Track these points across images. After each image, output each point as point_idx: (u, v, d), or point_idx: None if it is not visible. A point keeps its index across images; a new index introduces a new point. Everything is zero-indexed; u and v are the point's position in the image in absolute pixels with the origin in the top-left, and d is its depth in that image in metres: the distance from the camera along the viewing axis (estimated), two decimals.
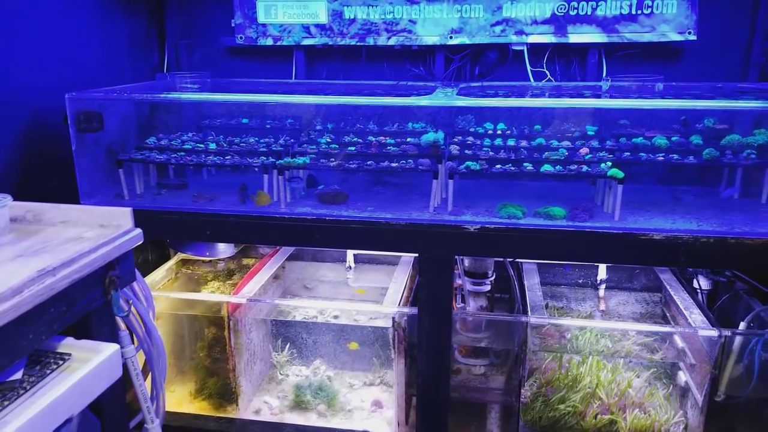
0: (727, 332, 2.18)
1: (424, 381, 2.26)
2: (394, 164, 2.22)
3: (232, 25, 2.83)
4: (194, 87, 2.64)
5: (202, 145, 2.40)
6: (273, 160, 2.28)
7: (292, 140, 2.46)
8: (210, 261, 2.87)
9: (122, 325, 1.71)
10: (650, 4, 2.49)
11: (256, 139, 2.48)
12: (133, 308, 1.73)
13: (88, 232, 1.54)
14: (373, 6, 2.68)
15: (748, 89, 2.47)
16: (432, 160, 2.20)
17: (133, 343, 1.73)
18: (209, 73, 2.76)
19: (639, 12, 2.51)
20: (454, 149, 2.24)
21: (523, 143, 2.28)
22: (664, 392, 2.46)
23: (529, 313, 2.33)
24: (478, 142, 2.30)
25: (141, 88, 2.51)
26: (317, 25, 2.75)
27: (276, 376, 2.79)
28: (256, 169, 2.26)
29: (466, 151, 2.23)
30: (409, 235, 2.11)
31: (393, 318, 2.33)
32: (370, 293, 2.96)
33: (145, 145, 2.43)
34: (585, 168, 2.12)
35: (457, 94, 2.30)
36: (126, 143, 2.46)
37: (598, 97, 2.38)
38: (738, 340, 2.19)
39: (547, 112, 2.33)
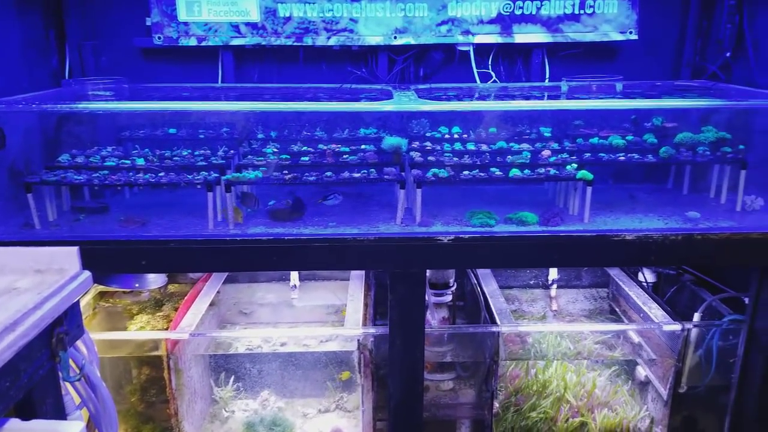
0: (689, 325, 2.23)
1: (397, 404, 2.10)
2: (356, 174, 2.04)
3: (148, 23, 2.50)
4: (108, 94, 2.29)
5: (127, 162, 2.08)
6: (217, 175, 2.02)
7: (232, 151, 2.20)
8: (132, 291, 2.53)
9: (65, 388, 1.40)
10: (592, 3, 2.50)
11: (190, 151, 2.19)
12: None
13: (21, 280, 1.24)
14: (310, 3, 2.47)
15: (684, 87, 2.55)
16: (397, 168, 2.05)
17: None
18: (121, 78, 2.41)
19: (582, 12, 2.51)
20: (416, 156, 2.10)
21: (484, 147, 2.19)
22: (626, 388, 2.48)
23: (498, 321, 2.25)
24: (438, 148, 2.18)
25: (47, 98, 2.14)
26: (248, 24, 2.50)
27: (220, 413, 2.51)
28: (198, 186, 1.99)
29: (429, 158, 2.10)
30: (380, 250, 1.94)
31: (358, 340, 2.16)
32: (315, 313, 2.76)
33: (58, 164, 2.06)
34: (553, 171, 2.07)
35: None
36: (30, 162, 2.08)
37: (555, 97, 2.35)
38: (695, 331, 2.24)
39: (506, 115, 2.26)
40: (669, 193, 2.41)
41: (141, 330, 2.39)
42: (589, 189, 2.03)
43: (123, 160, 2.08)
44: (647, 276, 2.74)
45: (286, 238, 1.93)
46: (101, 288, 2.49)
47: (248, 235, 1.94)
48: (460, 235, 1.95)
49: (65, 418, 1.38)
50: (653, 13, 2.59)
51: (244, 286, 2.75)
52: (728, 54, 2.50)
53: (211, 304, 2.55)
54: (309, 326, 2.67)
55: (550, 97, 2.47)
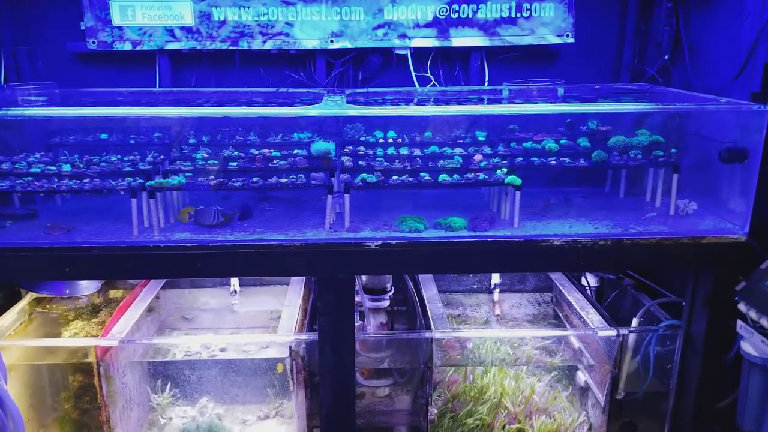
0: (624, 331, 2.23)
1: (328, 412, 2.09)
2: (283, 180, 2.02)
3: (82, 28, 2.47)
4: (40, 100, 2.25)
5: (54, 168, 2.05)
6: (142, 180, 1.99)
7: (161, 157, 2.17)
8: (70, 297, 2.49)
9: None
10: (529, 7, 2.50)
11: (119, 157, 2.16)
12: None
13: None
14: (244, 7, 2.45)
15: (622, 90, 2.55)
16: (325, 173, 2.03)
17: None
18: (56, 83, 2.37)
19: (518, 15, 2.51)
20: (347, 161, 2.09)
21: (416, 151, 2.18)
22: (566, 394, 2.48)
23: (433, 327, 2.24)
24: (371, 152, 2.17)
25: None
26: (183, 28, 2.47)
27: (157, 420, 2.49)
28: (122, 192, 1.96)
29: (360, 163, 2.09)
30: (306, 257, 1.93)
31: (290, 347, 2.14)
32: (258, 318, 2.73)
33: None
34: (482, 176, 2.07)
35: (347, 102, 2.15)
36: None
37: (495, 101, 2.34)
38: (632, 336, 2.24)
39: (440, 119, 2.25)
40: (605, 197, 2.42)
41: (74, 336, 2.35)
42: (517, 194, 2.02)
43: (49, 167, 2.05)
44: (590, 280, 2.74)
45: (210, 244, 1.92)
46: (37, 294, 2.45)
47: (172, 242, 1.92)
48: (388, 241, 1.94)
49: None
50: (591, 16, 2.60)
51: (185, 291, 2.72)
52: (666, 57, 2.51)
53: (150, 310, 2.53)
54: (248, 332, 2.66)
55: (489, 102, 2.46)
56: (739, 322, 1.97)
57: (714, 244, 1.98)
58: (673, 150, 2.15)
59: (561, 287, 2.69)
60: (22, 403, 2.22)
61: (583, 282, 2.74)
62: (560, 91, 2.25)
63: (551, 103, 2.24)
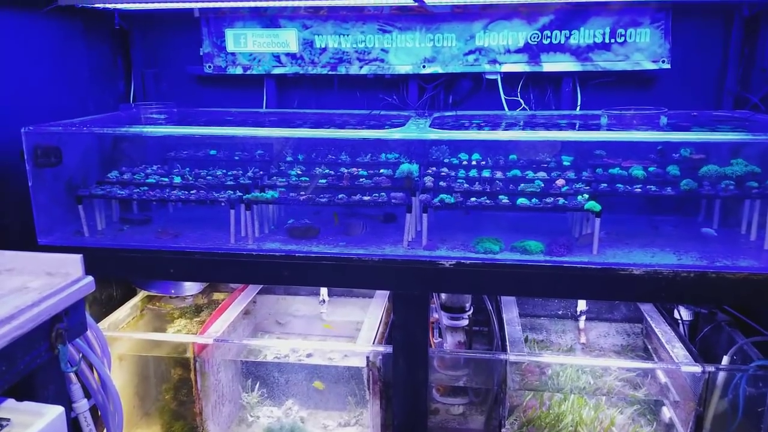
0: (710, 368, 2.12)
1: (401, 424, 2.16)
2: (366, 197, 2.14)
3: (200, 53, 2.75)
4: (160, 118, 2.55)
5: (166, 179, 2.30)
6: (240, 194, 2.19)
7: (261, 172, 2.37)
8: (178, 297, 2.76)
9: (74, 378, 1.59)
10: (623, 33, 2.47)
11: (224, 171, 2.39)
12: (86, 359, 1.62)
13: (35, 281, 1.43)
14: (344, 35, 2.62)
15: (724, 117, 2.44)
16: (406, 192, 2.13)
17: (86, 396, 1.62)
18: (175, 102, 2.66)
19: (612, 41, 2.49)
20: (428, 181, 2.17)
21: (498, 174, 2.22)
22: (649, 429, 2.38)
23: (508, 349, 2.25)
24: (453, 174, 2.24)
25: (103, 121, 2.41)
26: (288, 54, 2.69)
27: (246, 417, 2.66)
28: (222, 203, 2.17)
29: (441, 183, 2.16)
30: (382, 271, 2.02)
31: (367, 357, 2.23)
32: (344, 328, 2.86)
33: (107, 179, 2.32)
34: (561, 201, 2.07)
35: (430, 125, 2.23)
36: (87, 177, 2.36)
37: (585, 126, 2.34)
38: (722, 375, 2.13)
39: (522, 143, 2.28)
40: (697, 227, 2.32)
41: (177, 333, 2.60)
42: (597, 220, 2.01)
43: (162, 178, 2.30)
44: (684, 314, 2.62)
45: (297, 255, 2.07)
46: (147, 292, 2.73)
47: (263, 251, 2.09)
48: (462, 261, 2.00)
49: (69, 405, 1.57)
50: (691, 41, 2.51)
51: (279, 297, 2.91)
52: None
53: (246, 312, 2.73)
54: (334, 340, 2.79)
55: (580, 127, 2.45)
56: None
57: None
58: None
59: (650, 319, 2.60)
60: (128, 391, 2.48)
61: (676, 315, 2.63)
62: (663, 120, 2.18)
63: (646, 130, 2.19)
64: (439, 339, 2.46)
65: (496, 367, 2.23)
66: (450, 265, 1.99)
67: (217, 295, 2.91)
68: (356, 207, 2.22)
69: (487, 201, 2.08)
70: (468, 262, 1.99)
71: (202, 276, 2.31)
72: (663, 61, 2.47)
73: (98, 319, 2.45)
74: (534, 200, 2.07)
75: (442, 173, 2.24)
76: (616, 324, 2.83)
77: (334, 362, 2.36)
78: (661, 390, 2.29)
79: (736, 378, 2.11)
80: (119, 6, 2.56)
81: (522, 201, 2.07)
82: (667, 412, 2.39)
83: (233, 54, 2.72)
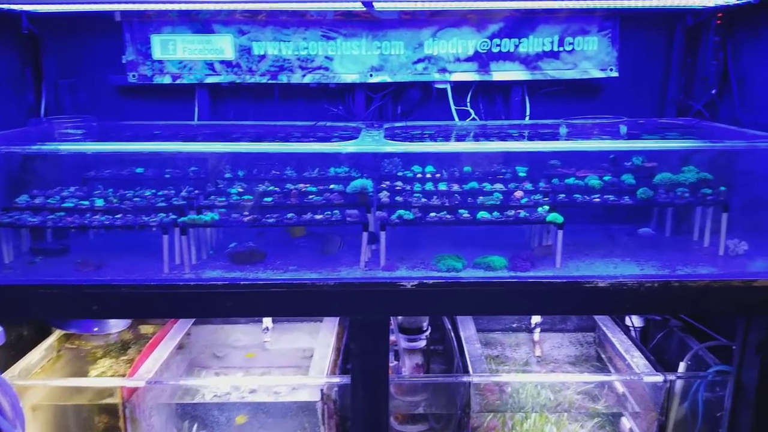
0: (672, 377, 2.11)
1: None
2: (318, 216, 1.98)
3: (123, 61, 2.49)
4: (77, 133, 2.27)
5: (86, 203, 2.04)
6: (174, 216, 1.96)
7: (196, 191, 2.15)
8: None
9: None
10: (572, 41, 2.45)
11: (154, 192, 2.15)
12: None
13: None
14: (285, 42, 2.45)
15: (668, 125, 2.46)
16: (361, 209, 1.98)
17: None
18: (95, 116, 2.39)
19: (561, 49, 2.46)
20: (384, 197, 2.03)
21: (455, 187, 2.12)
22: None
23: (471, 371, 2.15)
24: (408, 188, 2.11)
25: (9, 138, 2.11)
26: (222, 62, 2.48)
27: None
28: (154, 228, 1.93)
29: (397, 198, 2.03)
30: (339, 296, 1.86)
31: (321, 390, 2.06)
32: (291, 357, 2.67)
33: (15, 205, 2.03)
34: (522, 213, 1.99)
35: (384, 137, 2.10)
36: None
37: (537, 136, 2.28)
38: (679, 383, 2.12)
39: (480, 154, 2.19)
40: (651, 235, 2.31)
41: (102, 375, 2.32)
42: (560, 232, 1.94)
43: (82, 202, 2.04)
44: (635, 321, 2.62)
45: (242, 282, 1.87)
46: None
47: (203, 280, 1.88)
48: (425, 281, 1.87)
49: None
50: (636, 50, 2.53)
51: (217, 327, 2.67)
52: (713, 91, 2.42)
53: (180, 347, 2.48)
54: (280, 371, 2.59)
55: (530, 136, 2.40)
56: None
57: (767, 288, 1.86)
58: (722, 188, 2.05)
59: (604, 327, 2.57)
60: None
61: (627, 322, 2.62)
62: (623, 129, 2.15)
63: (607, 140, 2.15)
64: (395, 362, 2.32)
65: (459, 390, 2.11)
66: (412, 286, 1.85)
67: (145, 329, 2.64)
68: (308, 227, 2.05)
69: (448, 216, 1.97)
70: (431, 281, 1.86)
71: (133, 312, 2.05)
72: (611, 69, 2.47)
73: (6, 366, 2.14)
74: (495, 213, 1.98)
75: (397, 187, 2.11)
76: (569, 334, 2.80)
77: (282, 397, 2.17)
78: (618, 401, 2.25)
79: (695, 385, 2.10)
80: (26, 8, 2.27)
81: (483, 214, 1.97)
82: (626, 423, 2.35)
83: (161, 62, 2.49)
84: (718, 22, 2.36)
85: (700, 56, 2.48)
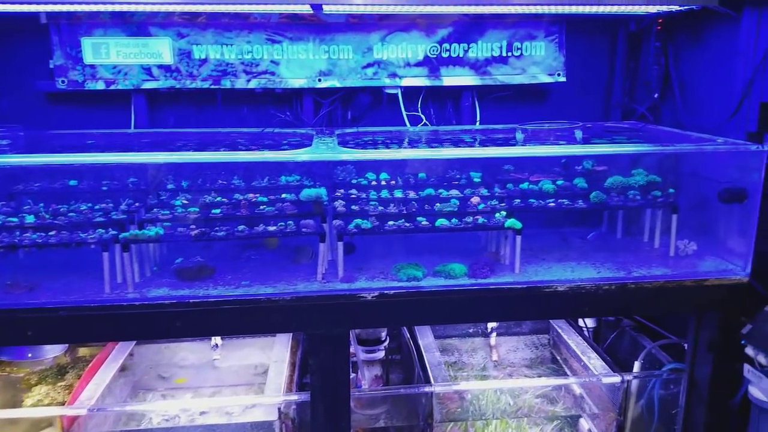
0: (629, 377, 2.14)
1: None
2: (271, 228, 1.89)
3: (51, 66, 2.32)
4: (2, 144, 2.08)
5: (14, 219, 1.87)
6: (115, 232, 1.83)
7: (136, 204, 2.01)
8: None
9: None
10: (520, 46, 2.45)
11: (90, 205, 2.00)
12: None
13: None
14: (228, 45, 2.34)
15: (614, 129, 2.51)
16: (316, 219, 1.91)
17: None
18: (21, 125, 2.19)
19: (509, 54, 2.46)
20: (339, 205, 1.97)
21: (411, 194, 2.07)
22: None
23: (432, 380, 2.10)
24: (363, 196, 2.05)
25: None
26: (161, 66, 2.34)
27: None
28: (92, 245, 1.79)
29: (353, 207, 1.97)
30: (296, 312, 1.79)
31: (279, 408, 1.97)
32: (242, 374, 2.55)
33: None
34: (481, 219, 1.97)
35: (338, 144, 2.04)
36: None
37: (488, 141, 2.26)
38: (635, 382, 2.15)
39: (435, 161, 2.16)
40: (603, 238, 2.35)
41: (37, 404, 2.13)
42: (518, 238, 1.93)
43: (9, 218, 1.87)
44: (587, 321, 2.65)
45: (191, 300, 1.76)
46: None
47: (148, 299, 1.75)
48: (385, 291, 1.82)
49: None
50: (582, 55, 2.57)
51: (162, 346, 2.52)
52: (656, 95, 2.48)
53: (123, 369, 2.33)
54: (232, 390, 2.47)
55: (481, 141, 2.39)
56: (747, 366, 1.91)
57: (717, 286, 1.93)
58: (671, 190, 2.10)
59: (558, 329, 2.60)
60: None
61: (581, 323, 2.65)
62: (578, 134, 2.16)
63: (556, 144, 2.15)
64: (354, 375, 2.25)
65: (421, 401, 2.07)
66: (372, 297, 1.80)
67: (83, 351, 2.46)
68: (259, 239, 1.95)
69: (406, 224, 1.92)
70: (392, 292, 1.82)
71: (73, 337, 1.90)
72: (558, 74, 2.49)
73: None
74: (454, 220, 1.95)
75: (352, 196, 2.04)
76: (524, 337, 2.81)
77: (236, 418, 2.06)
78: (576, 402, 2.27)
79: (650, 383, 2.14)
80: None
81: (442, 222, 1.93)
82: (585, 425, 2.37)
83: (92, 66, 2.32)
84: (659, 28, 2.43)
85: (642, 61, 2.54)
